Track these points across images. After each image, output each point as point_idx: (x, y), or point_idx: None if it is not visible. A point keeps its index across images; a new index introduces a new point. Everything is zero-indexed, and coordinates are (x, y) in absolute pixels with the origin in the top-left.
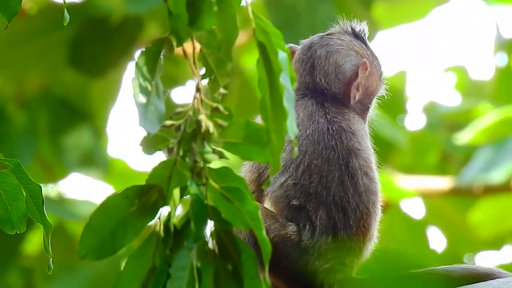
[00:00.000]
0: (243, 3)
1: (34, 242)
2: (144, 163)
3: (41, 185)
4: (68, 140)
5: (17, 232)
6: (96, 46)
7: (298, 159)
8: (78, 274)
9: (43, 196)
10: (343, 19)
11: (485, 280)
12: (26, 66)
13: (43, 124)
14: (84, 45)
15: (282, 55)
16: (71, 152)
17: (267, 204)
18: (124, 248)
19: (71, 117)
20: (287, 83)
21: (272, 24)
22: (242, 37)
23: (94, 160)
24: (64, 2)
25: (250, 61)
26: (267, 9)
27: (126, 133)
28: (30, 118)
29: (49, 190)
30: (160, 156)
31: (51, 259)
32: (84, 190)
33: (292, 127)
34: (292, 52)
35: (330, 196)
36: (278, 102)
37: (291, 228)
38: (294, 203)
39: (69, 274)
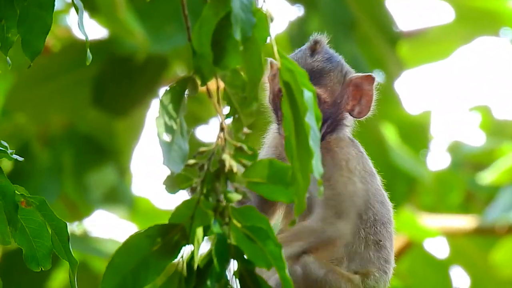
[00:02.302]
0: (268, 42)
1: (58, 279)
2: (169, 201)
3: (66, 222)
4: (92, 178)
5: (43, 269)
6: (120, 84)
7: None
8: None
9: (68, 233)
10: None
11: None
12: (50, 104)
13: (68, 162)
14: (108, 83)
15: (308, 95)
16: (95, 190)
17: None
18: (146, 287)
19: (95, 155)
20: (313, 122)
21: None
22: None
23: (118, 198)
24: (87, 41)
25: None
26: (292, 47)
27: (150, 171)
28: (54, 156)
29: (74, 228)
30: (184, 195)
31: None
32: (108, 228)
33: (317, 166)
34: (273, 66)
35: None
36: (304, 142)
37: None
38: None
39: None
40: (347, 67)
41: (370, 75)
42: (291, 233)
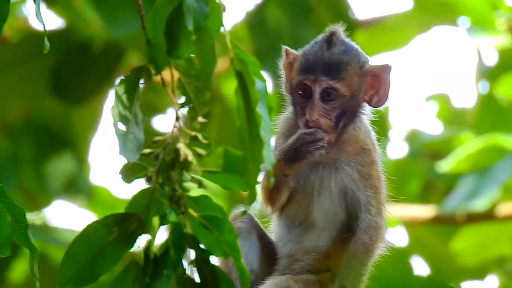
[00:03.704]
0: (222, 31)
1: (18, 270)
2: (127, 190)
3: (25, 210)
4: (51, 167)
5: (2, 257)
6: (78, 74)
7: None
8: None
9: (27, 220)
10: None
11: None
12: (8, 94)
13: (26, 151)
14: (65, 73)
15: (260, 85)
16: (53, 180)
17: None
18: (104, 276)
19: (53, 145)
20: (264, 112)
21: (253, 50)
22: (223, 64)
23: (76, 187)
24: (45, 30)
25: (231, 88)
26: (251, 34)
27: (108, 160)
28: (13, 145)
29: (33, 218)
30: (141, 184)
31: (37, 282)
32: (67, 218)
33: (268, 156)
34: (289, 55)
35: None
36: (255, 132)
37: None
38: None
39: None
40: (363, 56)
41: (387, 65)
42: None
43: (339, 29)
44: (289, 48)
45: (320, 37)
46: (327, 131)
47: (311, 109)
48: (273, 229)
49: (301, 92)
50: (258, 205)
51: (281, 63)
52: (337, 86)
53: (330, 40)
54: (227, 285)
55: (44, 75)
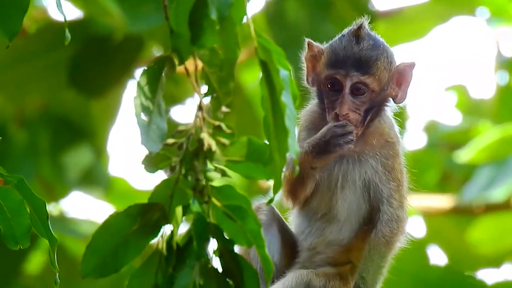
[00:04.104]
0: (244, 21)
1: (35, 262)
2: (146, 181)
3: (44, 201)
4: (69, 158)
5: (21, 248)
6: (97, 65)
7: None
8: None
9: (47, 211)
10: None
11: None
12: (26, 86)
13: (44, 143)
14: (84, 64)
15: (284, 73)
16: (71, 171)
17: None
18: (126, 266)
19: (72, 136)
20: (289, 101)
21: (274, 42)
22: (242, 54)
23: (94, 178)
24: (65, 21)
25: (250, 78)
26: (269, 27)
27: (127, 151)
28: (31, 137)
29: (51, 209)
30: (162, 175)
31: (57, 273)
32: (85, 208)
33: (293, 145)
34: (313, 47)
35: None
36: (280, 121)
37: None
38: None
39: None
40: (390, 51)
41: (413, 62)
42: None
43: (365, 22)
44: (312, 41)
45: (346, 30)
46: (356, 125)
47: (342, 103)
48: (293, 221)
49: (330, 86)
50: (278, 197)
51: (304, 55)
52: (368, 81)
53: (358, 34)
54: (251, 275)
55: (63, 67)
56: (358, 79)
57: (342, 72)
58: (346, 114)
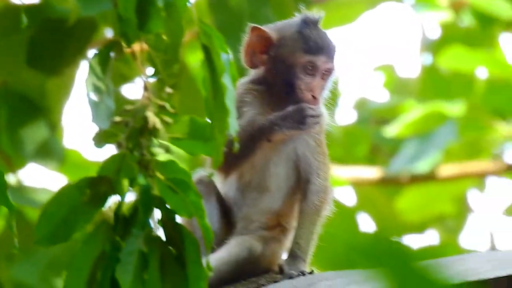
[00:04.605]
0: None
1: None
2: (97, 153)
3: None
4: (26, 132)
5: None
6: (53, 46)
7: None
8: (36, 258)
9: (6, 180)
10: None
11: None
12: None
13: (2, 118)
14: (41, 45)
15: (224, 57)
16: (28, 144)
17: None
18: (77, 234)
19: (29, 112)
20: (229, 83)
21: (215, 27)
22: (187, 36)
23: (50, 151)
24: (22, 5)
25: (194, 59)
26: (211, 11)
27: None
28: None
29: (9, 178)
30: (112, 149)
31: (16, 239)
32: (41, 179)
33: (233, 124)
34: (262, 32)
35: None
36: (221, 101)
37: None
38: None
39: (28, 258)
40: None
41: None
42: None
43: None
44: (258, 25)
45: (305, 17)
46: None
47: (317, 87)
48: (226, 193)
49: (306, 70)
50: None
51: (249, 38)
52: (334, 67)
53: (319, 23)
54: (192, 243)
55: (21, 48)
56: (331, 66)
57: (322, 59)
58: (319, 96)
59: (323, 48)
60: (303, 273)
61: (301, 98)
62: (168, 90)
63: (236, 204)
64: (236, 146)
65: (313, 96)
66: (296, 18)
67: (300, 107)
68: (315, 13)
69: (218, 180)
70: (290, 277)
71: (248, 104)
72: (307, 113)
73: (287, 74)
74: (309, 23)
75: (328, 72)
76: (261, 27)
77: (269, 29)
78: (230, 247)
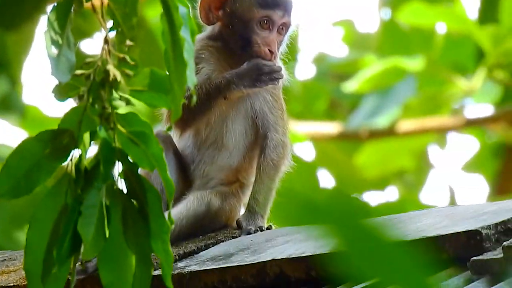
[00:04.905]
0: None
1: None
2: (58, 109)
3: None
4: None
5: None
6: (12, 2)
7: None
8: None
9: None
10: None
11: None
12: None
13: None
14: (0, 1)
15: (183, 10)
16: None
17: None
18: (39, 188)
19: None
20: (187, 36)
21: None
22: None
23: (10, 106)
24: None
25: (153, 14)
26: None
27: (40, 81)
28: None
29: None
30: (73, 103)
31: None
32: (1, 134)
33: (191, 77)
34: None
35: None
36: (179, 54)
37: None
38: None
39: None
40: None
41: None
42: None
43: None
44: None
45: None
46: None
47: (273, 42)
48: (182, 150)
49: (262, 25)
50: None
51: None
52: (290, 21)
53: None
54: (154, 195)
55: None
56: (286, 20)
57: (279, 14)
58: (275, 51)
59: (279, 3)
60: (261, 229)
61: (257, 53)
62: (128, 42)
63: (193, 161)
64: (194, 99)
65: (270, 50)
66: None
67: (256, 63)
68: None
69: (175, 137)
70: (248, 232)
71: (204, 61)
72: (263, 70)
73: (244, 29)
74: None
75: (285, 26)
76: None
77: None
78: (189, 202)
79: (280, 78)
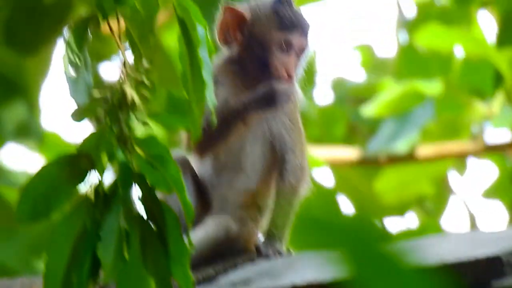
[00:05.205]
0: None
1: None
2: (76, 135)
3: None
4: (4, 112)
5: None
6: (29, 25)
7: None
8: (16, 240)
9: None
10: None
11: None
12: None
13: None
14: (18, 25)
15: (201, 30)
16: (6, 124)
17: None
18: (58, 212)
19: (6, 91)
20: (205, 56)
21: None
22: (162, 16)
23: (28, 130)
24: None
25: (170, 39)
26: None
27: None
28: None
29: None
30: (91, 127)
31: None
32: (20, 160)
33: (211, 97)
34: (235, 11)
35: None
36: (198, 74)
37: None
38: None
39: (8, 240)
40: None
41: None
42: None
43: None
44: (232, 4)
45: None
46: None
47: (293, 64)
48: (201, 174)
49: (282, 48)
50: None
51: (223, 17)
52: (308, 44)
53: (291, 1)
54: (172, 219)
55: None
56: (304, 42)
57: (297, 36)
58: (293, 74)
59: (297, 25)
60: (279, 253)
61: (275, 76)
62: (146, 64)
63: (212, 185)
64: (214, 120)
65: (287, 73)
66: None
67: (271, 86)
68: None
69: (194, 161)
70: (267, 256)
71: (222, 86)
72: (278, 92)
73: (262, 51)
74: (283, 1)
75: (302, 49)
76: (235, 6)
77: (243, 7)
78: (207, 227)
79: (293, 100)
